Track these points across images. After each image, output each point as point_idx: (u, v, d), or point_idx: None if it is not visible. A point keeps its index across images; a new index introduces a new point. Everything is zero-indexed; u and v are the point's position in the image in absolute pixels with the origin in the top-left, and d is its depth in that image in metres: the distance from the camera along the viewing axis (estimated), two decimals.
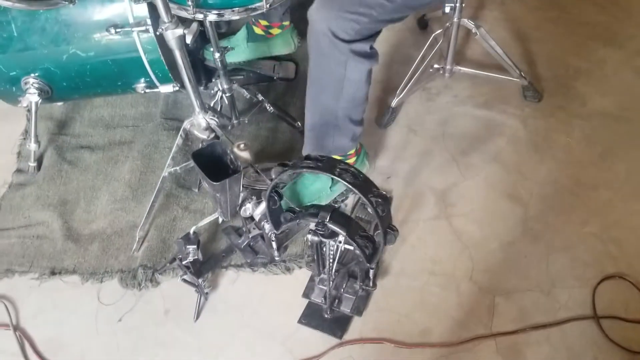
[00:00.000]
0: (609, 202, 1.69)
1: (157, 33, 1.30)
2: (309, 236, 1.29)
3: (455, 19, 1.80)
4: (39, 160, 1.88)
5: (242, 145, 1.43)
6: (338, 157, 1.65)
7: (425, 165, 1.80)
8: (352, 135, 1.61)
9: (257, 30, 2.00)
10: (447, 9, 1.76)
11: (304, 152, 1.68)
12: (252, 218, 1.52)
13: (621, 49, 2.08)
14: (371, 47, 1.44)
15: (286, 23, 1.99)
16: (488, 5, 2.25)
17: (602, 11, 2.22)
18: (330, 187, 1.68)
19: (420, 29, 2.17)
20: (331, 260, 1.38)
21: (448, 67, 1.93)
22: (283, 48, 2.04)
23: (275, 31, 1.99)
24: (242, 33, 2.02)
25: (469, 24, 1.84)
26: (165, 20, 1.23)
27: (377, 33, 1.43)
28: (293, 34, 2.03)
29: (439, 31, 1.88)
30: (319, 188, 1.68)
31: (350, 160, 1.70)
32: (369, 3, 1.34)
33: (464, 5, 1.77)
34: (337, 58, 1.40)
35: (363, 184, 1.21)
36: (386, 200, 1.22)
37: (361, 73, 1.46)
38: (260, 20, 1.97)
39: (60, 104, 2.01)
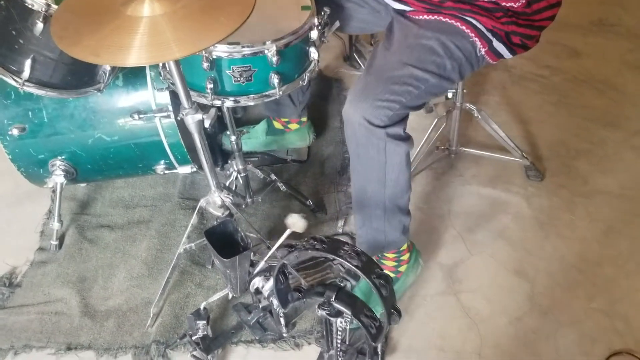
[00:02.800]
0: (613, 279, 1.72)
1: (178, 118, 1.41)
2: (319, 312, 1.32)
3: (458, 103, 1.91)
4: (61, 239, 1.95)
5: (303, 215, 1.46)
6: (392, 256, 1.68)
7: (433, 242, 1.85)
8: (402, 227, 1.62)
9: (277, 125, 2.11)
10: (450, 95, 1.89)
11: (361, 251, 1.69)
12: (260, 295, 1.56)
13: (620, 130, 2.17)
14: (404, 130, 1.50)
15: (304, 119, 2.10)
16: (490, 90, 2.37)
17: (600, 95, 2.33)
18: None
19: (425, 112, 2.28)
20: (339, 340, 1.41)
21: (453, 148, 2.03)
22: (299, 142, 2.14)
23: (293, 126, 2.11)
24: (262, 126, 2.13)
25: (471, 107, 1.94)
26: (186, 106, 1.33)
27: (406, 118, 1.50)
28: (310, 130, 2.14)
29: (443, 114, 1.99)
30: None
31: (404, 257, 1.70)
32: (397, 91, 1.43)
33: (465, 91, 1.88)
34: (376, 145, 1.46)
35: (366, 265, 1.25)
36: (389, 281, 1.25)
37: (400, 156, 1.50)
38: (280, 117, 2.09)
39: (83, 185, 2.11)
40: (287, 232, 1.45)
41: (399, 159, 1.50)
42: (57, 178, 1.80)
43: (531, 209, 1.93)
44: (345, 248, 1.25)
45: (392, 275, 1.67)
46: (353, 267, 1.22)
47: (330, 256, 1.24)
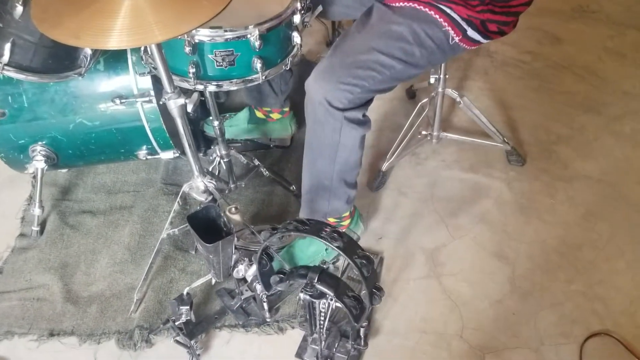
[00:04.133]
0: (593, 262, 1.75)
1: (160, 103, 1.40)
2: (301, 295, 1.34)
3: (440, 89, 1.91)
4: (42, 225, 1.94)
5: (233, 209, 1.50)
6: (333, 220, 1.73)
7: (415, 227, 1.87)
8: (347, 198, 1.68)
9: (259, 114, 2.11)
10: (432, 80, 1.89)
11: (301, 216, 1.74)
12: (244, 279, 1.56)
13: (600, 116, 2.20)
14: (364, 115, 1.53)
15: (286, 109, 2.10)
16: (472, 76, 2.39)
17: (581, 80, 2.35)
18: (326, 250, 1.74)
19: (408, 98, 2.29)
20: (322, 319, 1.42)
21: (435, 133, 2.04)
22: (281, 132, 2.13)
23: (275, 116, 2.10)
24: (243, 114, 2.12)
25: (452, 93, 1.95)
26: (169, 90, 1.32)
27: (369, 102, 1.53)
28: (292, 121, 2.13)
29: (426, 100, 1.99)
30: (315, 251, 1.73)
31: (345, 223, 1.76)
32: (361, 75, 1.45)
33: (447, 76, 1.89)
34: (332, 125, 1.50)
35: (348, 246, 1.26)
36: (370, 261, 1.27)
37: (354, 139, 1.55)
38: (263, 106, 2.08)
39: (64, 170, 2.09)
40: (234, 231, 1.47)
41: (353, 142, 1.55)
42: (38, 164, 1.79)
43: (512, 193, 1.95)
44: (326, 229, 1.26)
45: None
46: (335, 248, 1.23)
47: (312, 237, 1.25)
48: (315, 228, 1.28)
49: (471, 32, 1.52)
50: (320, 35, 2.51)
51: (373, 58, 1.47)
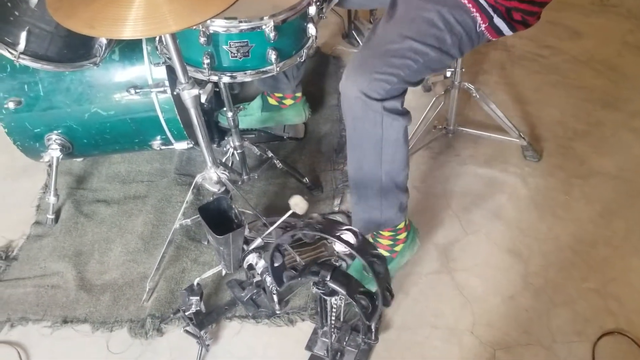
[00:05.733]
0: (607, 259, 1.73)
1: (175, 93, 1.40)
2: (313, 289, 1.33)
3: (456, 82, 1.90)
4: (57, 213, 1.95)
5: (305, 197, 1.45)
6: (388, 234, 1.67)
7: (428, 221, 1.86)
8: (399, 205, 1.61)
9: (271, 101, 2.10)
10: (448, 74, 1.88)
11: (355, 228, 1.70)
12: (254, 272, 1.56)
13: (618, 111, 2.16)
14: (402, 105, 1.48)
15: (298, 95, 2.09)
16: (488, 70, 2.36)
17: (599, 75, 2.31)
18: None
19: (424, 91, 2.27)
20: (333, 317, 1.42)
21: (450, 127, 2.02)
22: (295, 118, 2.13)
23: (288, 102, 2.09)
24: (256, 102, 2.12)
25: (469, 87, 1.93)
26: (183, 81, 1.32)
27: (404, 92, 1.48)
28: (305, 106, 2.12)
29: (441, 94, 1.98)
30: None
31: (401, 236, 1.68)
32: (396, 64, 1.41)
33: (464, 70, 1.87)
34: (373, 118, 1.44)
35: (361, 245, 1.25)
36: (383, 261, 1.26)
37: (397, 131, 1.48)
38: (275, 92, 2.08)
39: (79, 160, 2.11)
40: (289, 213, 1.45)
41: (396, 134, 1.48)
42: (53, 152, 1.80)
43: (527, 189, 1.93)
44: (341, 228, 1.25)
45: (386, 254, 1.67)
46: (349, 247, 1.22)
47: (326, 236, 1.25)
48: (329, 226, 1.27)
49: (497, 20, 1.49)
50: (336, 27, 2.50)
51: (407, 46, 1.43)
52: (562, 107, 2.20)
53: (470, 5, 1.47)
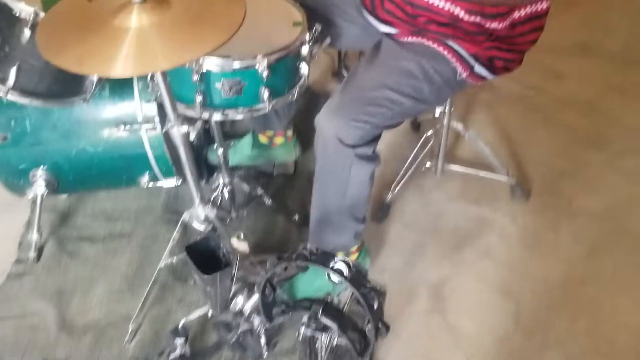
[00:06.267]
0: (597, 299, 1.72)
1: (164, 131, 1.39)
2: (301, 330, 1.31)
3: (445, 122, 1.91)
4: (40, 251, 1.91)
5: (241, 236, 1.47)
6: (340, 254, 1.67)
7: (419, 260, 1.84)
8: (355, 232, 1.67)
9: (262, 139, 2.10)
10: (438, 113, 1.89)
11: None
12: (241, 313, 1.53)
13: (603, 152, 2.19)
14: (374, 151, 1.54)
15: (290, 133, 2.09)
16: (476, 109, 2.39)
17: (584, 116, 2.35)
18: (331, 282, 1.70)
19: (413, 130, 2.29)
20: (323, 355, 1.39)
21: (439, 165, 2.03)
22: (285, 156, 2.13)
23: (279, 140, 2.09)
24: (247, 140, 2.12)
25: (457, 126, 1.95)
26: (172, 118, 1.32)
27: (378, 137, 1.54)
28: (296, 144, 2.13)
29: (430, 132, 1.99)
30: (320, 285, 1.70)
31: (352, 257, 1.74)
32: (372, 112, 1.46)
33: (452, 109, 1.89)
34: (343, 161, 1.49)
35: (356, 278, 1.24)
36: (378, 294, 1.24)
37: (365, 175, 1.54)
38: (266, 130, 2.08)
39: (64, 196, 2.07)
40: (237, 259, 1.44)
41: (363, 178, 1.54)
42: (38, 189, 1.77)
43: (516, 228, 1.93)
44: (334, 260, 1.24)
45: None
46: (342, 279, 1.20)
47: (320, 267, 1.23)
48: (322, 258, 1.26)
49: (478, 68, 1.52)
50: (326, 65, 2.53)
51: (383, 95, 1.47)
52: (548, 147, 2.22)
53: (450, 55, 1.50)
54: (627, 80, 2.49)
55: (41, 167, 1.75)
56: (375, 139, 1.52)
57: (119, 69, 1.03)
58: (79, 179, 1.81)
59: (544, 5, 1.47)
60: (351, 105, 1.47)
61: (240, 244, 1.46)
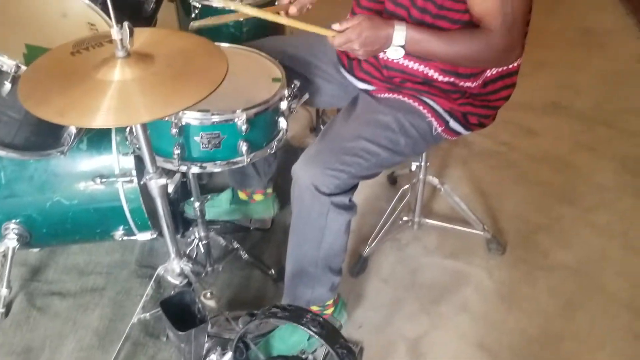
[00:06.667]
0: (575, 354, 1.72)
1: (141, 183, 1.39)
2: None
3: (421, 176, 1.94)
4: (8, 306, 1.85)
5: (208, 294, 1.45)
6: (316, 308, 1.69)
7: (396, 314, 1.83)
8: (331, 285, 1.65)
9: (242, 195, 2.10)
10: (414, 167, 1.93)
11: (283, 302, 1.70)
12: None
13: (575, 206, 2.24)
14: (350, 200, 1.55)
15: (269, 191, 2.10)
16: (451, 164, 2.43)
17: (556, 172, 2.41)
18: (308, 339, 1.67)
19: (390, 184, 2.31)
20: None
21: (416, 219, 2.05)
22: (263, 213, 2.12)
23: (258, 197, 2.10)
24: (226, 195, 2.12)
25: (433, 180, 1.98)
26: (151, 171, 1.31)
27: (355, 187, 1.55)
28: (274, 201, 2.13)
29: (407, 186, 2.02)
30: (296, 341, 1.67)
31: (329, 311, 1.72)
32: (348, 161, 1.48)
33: (428, 164, 1.92)
34: (319, 210, 1.50)
35: (330, 335, 1.22)
36: (352, 352, 1.23)
37: (340, 224, 1.55)
38: (245, 188, 2.09)
39: (36, 250, 2.03)
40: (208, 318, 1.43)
41: (338, 226, 1.55)
42: (10, 242, 1.73)
43: (493, 282, 1.94)
44: (308, 316, 1.23)
45: None
46: (316, 336, 1.19)
47: (293, 324, 1.22)
48: (296, 314, 1.25)
49: (453, 124, 1.57)
50: (305, 121, 2.57)
51: (360, 145, 1.50)
52: (522, 201, 2.26)
53: (426, 111, 1.55)
54: (596, 138, 2.58)
55: (14, 220, 1.72)
56: (352, 188, 1.54)
57: (100, 121, 1.04)
58: (53, 233, 1.78)
59: (515, 64, 1.54)
60: (328, 154, 1.49)
61: (208, 301, 1.44)
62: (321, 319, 1.23)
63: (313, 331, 1.20)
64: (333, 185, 1.47)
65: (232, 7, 1.52)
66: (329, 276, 1.63)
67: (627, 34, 3.30)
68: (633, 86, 2.89)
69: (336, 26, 1.39)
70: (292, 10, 1.60)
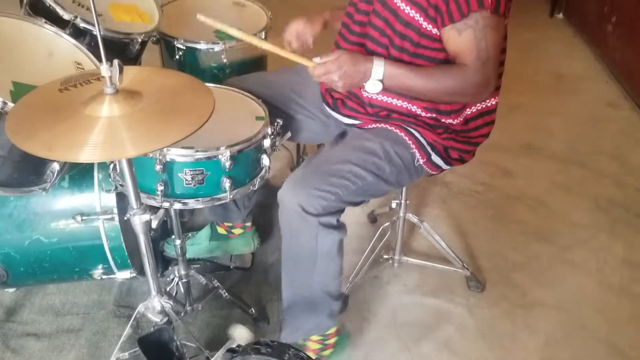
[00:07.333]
0: None
1: (125, 218, 1.39)
2: None
3: (401, 214, 1.97)
4: None
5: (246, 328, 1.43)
6: (317, 338, 1.67)
7: (378, 353, 1.82)
8: (330, 311, 1.64)
9: (220, 230, 2.10)
10: (394, 205, 1.96)
11: (283, 337, 1.69)
12: None
13: (552, 245, 2.28)
14: (338, 220, 1.54)
15: (248, 224, 2.10)
16: (430, 203, 2.47)
17: (532, 211, 2.46)
18: None
19: (370, 222, 2.34)
20: None
21: (396, 257, 2.07)
22: (243, 248, 2.12)
23: (237, 231, 2.10)
24: (205, 231, 2.12)
25: (413, 218, 2.01)
26: (135, 206, 1.32)
27: (341, 211, 1.55)
28: (254, 235, 2.13)
29: (387, 224, 2.04)
30: None
31: (331, 341, 1.70)
32: (335, 183, 1.49)
33: (408, 202, 1.95)
34: (308, 232, 1.50)
35: None
36: None
37: (332, 244, 1.54)
38: (224, 222, 2.09)
39: (11, 290, 1.99)
40: (228, 343, 1.41)
41: (329, 247, 1.54)
42: None
43: (473, 319, 1.95)
44: (290, 352, 1.22)
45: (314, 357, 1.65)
46: None
47: None
48: (278, 351, 1.24)
49: (434, 157, 1.61)
50: (285, 161, 2.59)
51: (346, 168, 1.52)
52: (500, 240, 2.29)
53: (410, 141, 1.59)
54: (570, 178, 2.64)
55: None
56: (339, 211, 1.54)
57: (87, 155, 1.05)
58: (30, 272, 1.75)
59: (493, 102, 1.60)
60: (314, 176, 1.50)
61: (244, 333, 1.41)
62: (304, 355, 1.22)
63: None
64: (320, 206, 1.47)
65: (218, 27, 1.53)
66: (327, 301, 1.61)
67: (596, 79, 3.43)
68: (604, 129, 2.99)
69: (317, 59, 1.44)
70: (294, 45, 1.66)
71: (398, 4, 1.46)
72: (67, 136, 1.08)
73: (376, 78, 1.44)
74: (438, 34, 1.44)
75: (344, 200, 1.52)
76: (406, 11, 1.45)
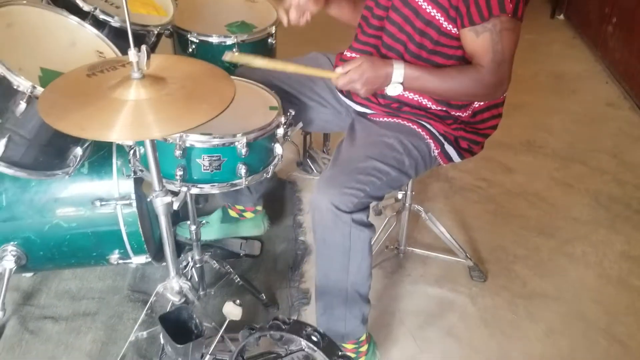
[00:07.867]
0: None
1: (148, 200, 1.44)
2: None
3: (407, 204, 2.03)
4: (1, 330, 1.86)
5: (237, 301, 1.49)
6: (352, 346, 1.72)
7: (384, 339, 1.88)
8: (362, 316, 1.68)
9: (232, 213, 2.17)
10: (400, 196, 2.02)
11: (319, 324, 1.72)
12: None
13: (552, 239, 2.34)
14: (367, 218, 1.60)
15: (259, 208, 2.17)
16: (433, 198, 2.54)
17: (532, 206, 2.52)
18: None
19: (375, 214, 2.40)
20: None
21: (401, 247, 2.13)
22: (253, 230, 2.19)
23: (248, 214, 2.17)
24: (217, 214, 2.18)
25: (418, 208, 2.07)
26: (157, 188, 1.38)
27: (368, 207, 1.61)
28: (264, 218, 2.21)
29: (392, 215, 2.11)
30: None
31: (363, 348, 1.74)
32: (363, 180, 1.55)
33: (414, 193, 2.02)
34: (342, 229, 1.54)
35: (327, 346, 1.27)
36: None
37: (364, 242, 1.59)
38: (236, 205, 2.15)
39: (29, 275, 2.05)
40: (225, 323, 1.47)
41: (362, 245, 1.58)
42: (7, 264, 1.75)
43: (476, 308, 2.01)
44: (307, 329, 1.28)
45: None
46: (315, 347, 1.24)
47: (293, 336, 1.27)
48: (295, 327, 1.29)
49: (447, 147, 1.68)
50: (291, 155, 2.65)
51: (371, 165, 1.57)
52: (501, 234, 2.36)
53: (424, 133, 1.65)
54: (569, 175, 2.71)
55: (12, 242, 1.75)
56: (367, 207, 1.59)
57: (117, 135, 1.12)
58: (49, 256, 1.81)
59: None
60: (342, 176, 1.55)
61: (234, 309, 1.46)
62: (320, 331, 1.28)
63: (313, 342, 1.25)
64: (351, 204, 1.52)
65: (243, 62, 1.59)
66: (359, 305, 1.66)
67: (596, 79, 3.51)
68: (603, 128, 3.06)
69: (339, 69, 1.50)
70: (292, 14, 1.67)
71: (420, 3, 1.51)
72: (98, 117, 1.15)
73: (396, 81, 1.50)
74: (457, 33, 1.50)
75: (371, 195, 1.57)
76: (427, 10, 1.51)
